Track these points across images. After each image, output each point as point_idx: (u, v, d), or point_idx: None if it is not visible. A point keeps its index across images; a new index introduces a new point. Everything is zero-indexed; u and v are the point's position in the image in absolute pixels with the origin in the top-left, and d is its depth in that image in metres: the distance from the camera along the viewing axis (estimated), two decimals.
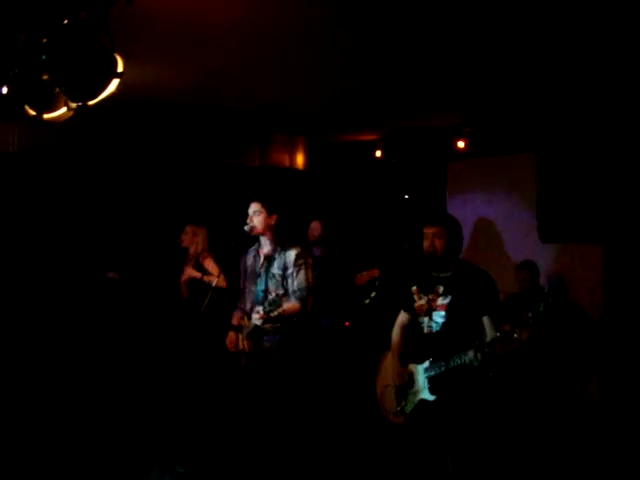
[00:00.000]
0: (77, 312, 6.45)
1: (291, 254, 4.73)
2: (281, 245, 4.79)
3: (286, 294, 4.71)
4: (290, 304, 4.66)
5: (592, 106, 6.27)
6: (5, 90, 3.15)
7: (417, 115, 6.94)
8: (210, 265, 6.16)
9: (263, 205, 4.75)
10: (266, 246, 4.87)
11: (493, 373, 3.92)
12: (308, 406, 5.07)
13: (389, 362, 4.35)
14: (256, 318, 4.56)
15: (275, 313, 4.41)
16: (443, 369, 3.88)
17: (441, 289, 3.99)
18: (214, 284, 5.17)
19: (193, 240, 6.29)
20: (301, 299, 4.68)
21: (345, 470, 5.07)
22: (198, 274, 6.20)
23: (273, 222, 4.77)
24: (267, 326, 4.60)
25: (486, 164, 7.63)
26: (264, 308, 4.46)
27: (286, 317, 4.57)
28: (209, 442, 5.36)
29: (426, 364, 3.99)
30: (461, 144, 7.44)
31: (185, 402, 5.87)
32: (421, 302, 4.09)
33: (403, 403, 4.12)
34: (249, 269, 4.96)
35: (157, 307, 6.65)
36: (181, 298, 6.39)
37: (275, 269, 4.76)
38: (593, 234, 6.60)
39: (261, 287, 4.80)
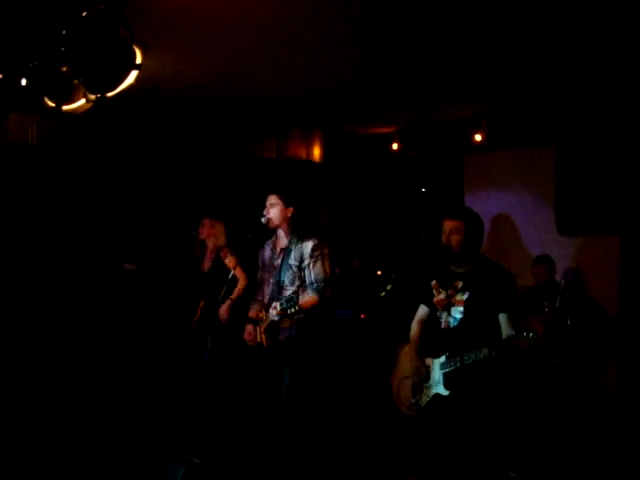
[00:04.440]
0: (95, 302, 6.50)
1: (308, 245, 4.71)
2: (298, 237, 4.77)
3: (303, 286, 4.70)
4: (308, 297, 4.62)
5: (611, 99, 6.21)
6: (24, 82, 3.17)
7: (434, 107, 6.89)
8: (230, 262, 6.10)
9: (280, 197, 4.76)
10: (282, 238, 4.86)
11: (508, 371, 3.91)
12: (323, 398, 5.07)
13: (406, 355, 4.35)
14: (273, 314, 4.54)
15: (292, 310, 4.34)
16: (458, 365, 3.86)
17: (460, 284, 3.97)
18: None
19: (211, 233, 6.27)
20: (318, 290, 4.63)
21: (358, 461, 5.08)
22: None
23: (290, 214, 4.76)
24: (284, 320, 4.60)
25: (504, 157, 7.59)
26: (281, 304, 4.40)
27: (305, 310, 4.51)
28: (225, 433, 5.39)
29: (442, 359, 3.98)
30: (478, 137, 7.40)
31: (202, 394, 5.90)
32: (440, 297, 4.08)
33: (418, 396, 4.12)
34: (266, 262, 4.97)
35: (173, 298, 6.69)
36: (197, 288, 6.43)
37: (292, 260, 4.74)
38: (611, 226, 6.55)
39: (277, 279, 4.80)
